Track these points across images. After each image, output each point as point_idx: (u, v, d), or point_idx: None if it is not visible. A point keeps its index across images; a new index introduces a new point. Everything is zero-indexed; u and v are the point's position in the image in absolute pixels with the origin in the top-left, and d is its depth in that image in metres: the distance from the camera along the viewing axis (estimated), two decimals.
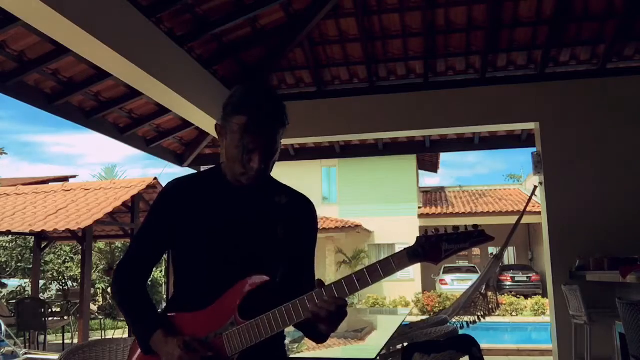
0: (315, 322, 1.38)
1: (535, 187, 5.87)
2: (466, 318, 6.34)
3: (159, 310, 1.56)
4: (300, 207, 1.61)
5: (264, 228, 1.51)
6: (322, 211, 18.27)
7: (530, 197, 6.55)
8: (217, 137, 1.56)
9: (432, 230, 1.35)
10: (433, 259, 1.34)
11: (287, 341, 1.65)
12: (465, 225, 1.35)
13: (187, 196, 1.56)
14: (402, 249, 1.37)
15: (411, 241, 1.38)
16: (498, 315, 7.81)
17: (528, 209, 6.69)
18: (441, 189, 22.36)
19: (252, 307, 1.39)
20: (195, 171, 4.82)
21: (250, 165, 1.46)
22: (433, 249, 1.34)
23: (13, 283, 16.30)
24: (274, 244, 1.51)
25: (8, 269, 16.26)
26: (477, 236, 1.33)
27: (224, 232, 1.50)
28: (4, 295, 14.97)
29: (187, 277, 1.54)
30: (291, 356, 2.75)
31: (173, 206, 1.55)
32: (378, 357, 2.87)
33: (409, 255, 1.35)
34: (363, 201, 18.88)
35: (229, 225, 1.50)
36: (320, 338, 1.52)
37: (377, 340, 3.68)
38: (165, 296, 11.03)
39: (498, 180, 38.87)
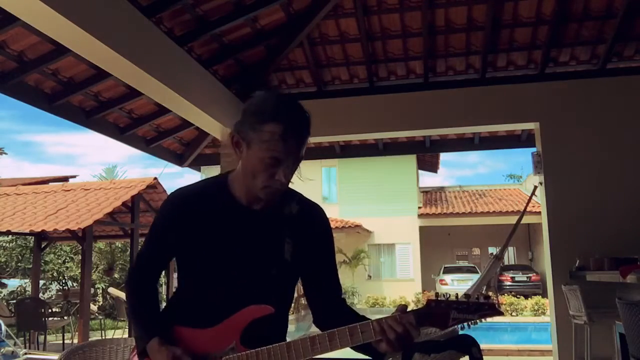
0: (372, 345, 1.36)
1: (535, 187, 5.87)
2: None
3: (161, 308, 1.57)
4: (311, 221, 1.57)
5: (272, 250, 1.48)
6: None
7: (530, 197, 6.55)
8: (232, 146, 1.44)
9: (442, 295, 1.34)
10: (439, 325, 1.33)
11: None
12: (477, 295, 1.34)
13: (193, 212, 1.49)
14: (410, 310, 1.35)
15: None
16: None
17: (528, 209, 6.69)
18: (441, 189, 22.35)
19: (255, 335, 1.39)
20: (195, 171, 4.82)
21: (276, 178, 1.39)
22: (441, 315, 1.33)
23: (13, 283, 16.29)
24: (283, 265, 1.48)
25: (8, 269, 16.25)
26: (487, 309, 1.32)
27: (231, 253, 1.47)
28: (4, 295, 14.97)
29: (191, 290, 1.53)
30: None
31: (178, 221, 1.49)
32: None
33: (416, 318, 1.33)
34: (363, 201, 18.87)
35: (236, 247, 1.47)
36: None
37: None
38: (165, 296, 11.02)
39: (498, 180, 38.80)
